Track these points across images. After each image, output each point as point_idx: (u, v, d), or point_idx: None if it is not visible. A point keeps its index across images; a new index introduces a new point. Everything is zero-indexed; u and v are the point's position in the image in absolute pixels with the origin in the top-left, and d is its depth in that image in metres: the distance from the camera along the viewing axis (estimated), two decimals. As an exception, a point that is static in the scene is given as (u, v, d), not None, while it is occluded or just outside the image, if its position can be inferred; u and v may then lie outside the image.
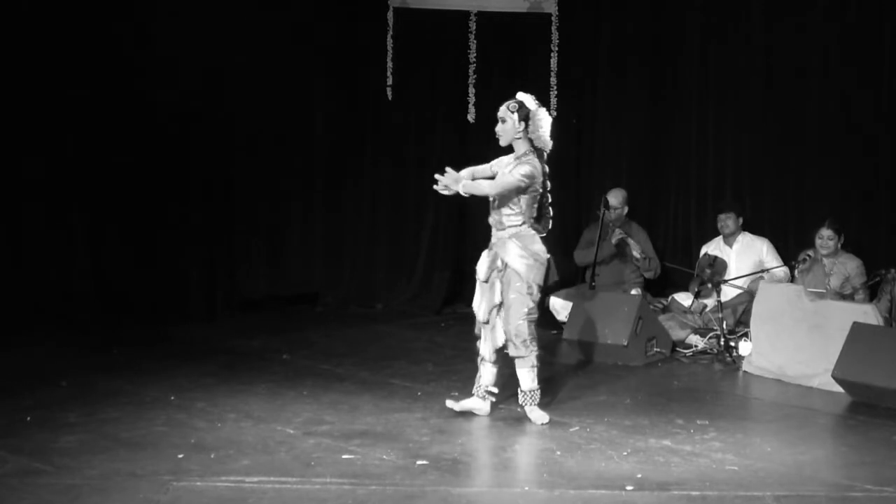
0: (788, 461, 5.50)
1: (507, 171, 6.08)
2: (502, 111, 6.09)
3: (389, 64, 9.67)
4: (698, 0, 9.39)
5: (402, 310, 9.67)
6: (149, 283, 8.73)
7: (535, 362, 6.13)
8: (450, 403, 6.26)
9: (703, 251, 8.66)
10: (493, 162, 6.30)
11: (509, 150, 6.19)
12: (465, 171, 6.21)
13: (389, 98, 9.72)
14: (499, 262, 6.12)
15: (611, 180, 9.51)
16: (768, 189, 9.13)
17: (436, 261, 9.86)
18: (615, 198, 8.88)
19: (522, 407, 6.19)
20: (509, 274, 6.06)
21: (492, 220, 6.19)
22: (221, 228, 9.27)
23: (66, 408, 6.14)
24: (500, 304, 6.11)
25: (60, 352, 7.62)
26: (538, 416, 6.15)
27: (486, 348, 6.22)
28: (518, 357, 6.12)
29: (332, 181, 9.78)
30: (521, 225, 6.10)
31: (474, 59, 9.65)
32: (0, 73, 8.02)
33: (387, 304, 9.84)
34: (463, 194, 6.05)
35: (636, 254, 8.75)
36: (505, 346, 6.15)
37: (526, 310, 6.04)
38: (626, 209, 8.96)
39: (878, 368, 6.50)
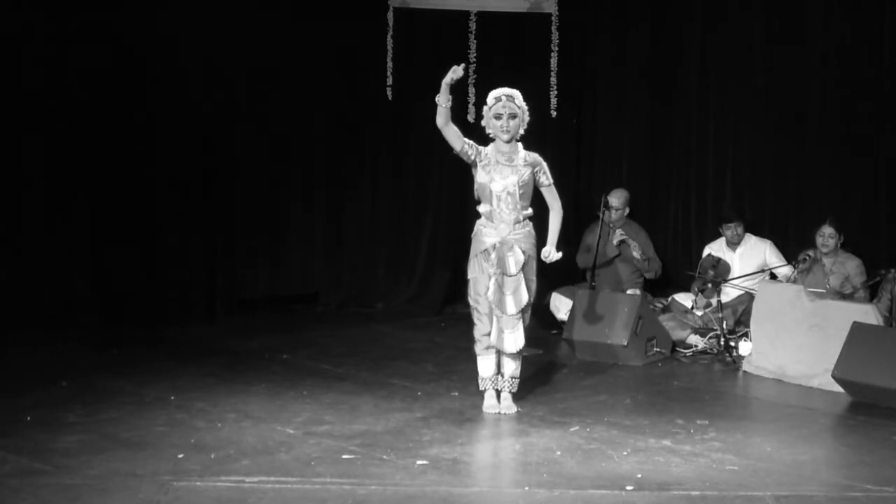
0: (788, 461, 5.50)
1: (546, 183, 6.18)
2: (514, 107, 6.06)
3: (389, 64, 9.65)
4: (699, 0, 9.39)
5: (402, 310, 9.65)
6: (149, 283, 8.72)
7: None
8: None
9: (706, 251, 8.63)
10: (480, 148, 6.20)
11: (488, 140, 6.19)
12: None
13: (389, 98, 9.71)
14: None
15: (611, 180, 9.50)
16: (768, 189, 9.12)
17: (436, 261, 9.85)
18: (617, 198, 8.87)
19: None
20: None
21: (513, 216, 6.15)
22: (221, 229, 9.26)
23: (66, 408, 6.13)
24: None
25: (60, 352, 7.61)
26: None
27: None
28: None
29: (332, 181, 9.76)
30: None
31: (474, 59, 9.63)
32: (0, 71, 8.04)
33: (387, 304, 9.82)
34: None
35: (636, 254, 8.74)
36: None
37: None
38: (627, 210, 8.95)
39: (878, 368, 6.50)
